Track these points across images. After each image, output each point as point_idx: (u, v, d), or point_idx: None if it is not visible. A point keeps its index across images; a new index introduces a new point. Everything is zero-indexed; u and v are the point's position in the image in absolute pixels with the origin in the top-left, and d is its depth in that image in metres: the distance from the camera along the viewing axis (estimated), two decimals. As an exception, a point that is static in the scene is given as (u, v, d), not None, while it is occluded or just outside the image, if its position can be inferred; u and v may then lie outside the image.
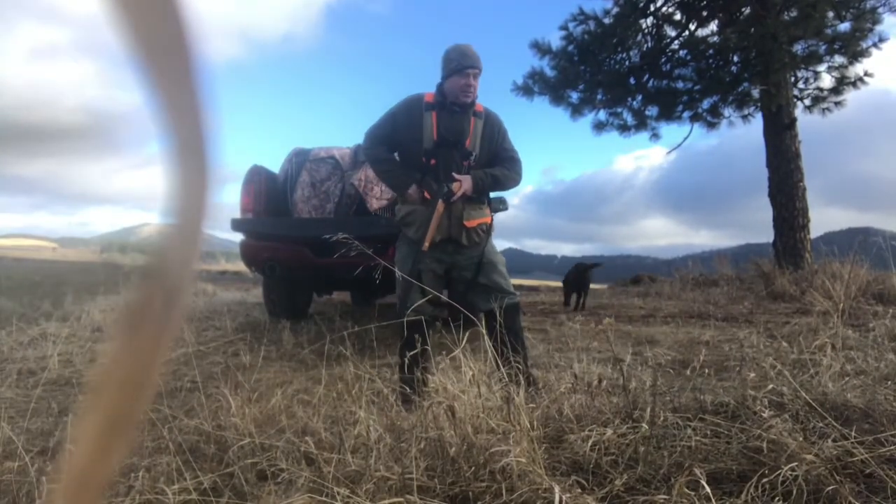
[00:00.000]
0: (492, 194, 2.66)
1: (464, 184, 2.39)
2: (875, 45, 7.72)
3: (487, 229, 2.54)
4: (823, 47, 7.54)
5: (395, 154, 2.54)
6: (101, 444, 0.23)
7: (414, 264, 2.36)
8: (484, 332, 1.87)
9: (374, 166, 2.57)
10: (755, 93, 7.81)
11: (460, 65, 2.37)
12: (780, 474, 1.22)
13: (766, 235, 7.96)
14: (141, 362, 0.23)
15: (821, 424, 1.49)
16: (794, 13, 6.97)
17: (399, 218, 2.51)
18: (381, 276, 2.22)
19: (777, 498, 1.19)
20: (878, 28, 7.66)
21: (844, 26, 7.61)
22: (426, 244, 2.35)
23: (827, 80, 8.21)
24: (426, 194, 2.41)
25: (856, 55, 7.71)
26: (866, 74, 7.96)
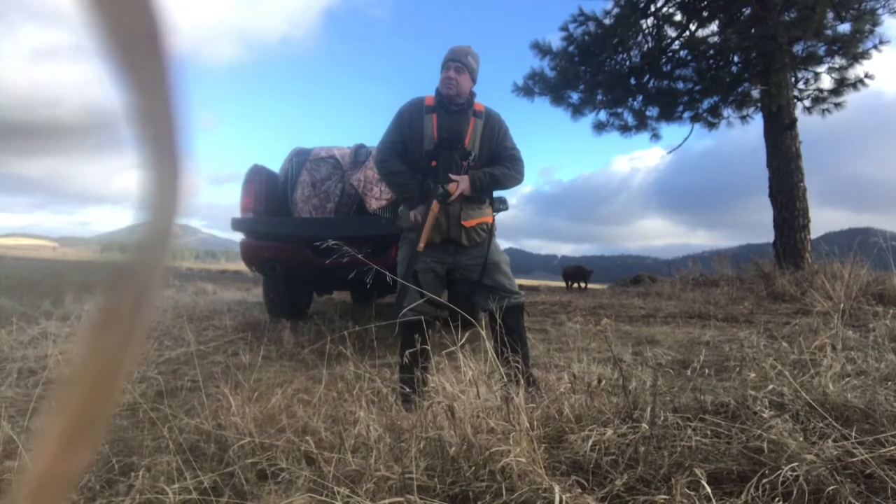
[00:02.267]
0: (493, 193, 2.65)
1: (461, 184, 2.38)
2: (875, 47, 7.73)
3: (489, 229, 2.53)
4: (823, 48, 7.54)
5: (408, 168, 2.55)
6: (65, 444, 0.23)
7: (409, 265, 2.36)
8: (484, 332, 1.87)
9: (387, 178, 2.56)
10: (755, 93, 7.81)
11: (445, 59, 2.47)
12: (780, 474, 1.22)
13: (765, 236, 7.97)
14: (109, 362, 0.23)
15: (821, 425, 1.49)
16: (793, 14, 6.97)
17: (401, 221, 2.51)
18: (378, 276, 2.22)
19: (777, 498, 1.19)
20: (879, 30, 7.67)
21: (844, 27, 7.61)
22: (421, 245, 2.35)
23: (827, 82, 8.22)
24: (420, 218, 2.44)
25: (856, 57, 7.71)
26: (867, 76, 7.96)
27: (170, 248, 0.24)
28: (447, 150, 2.44)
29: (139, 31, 0.22)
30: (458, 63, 2.43)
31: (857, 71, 7.94)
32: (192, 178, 0.23)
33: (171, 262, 0.24)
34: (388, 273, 2.17)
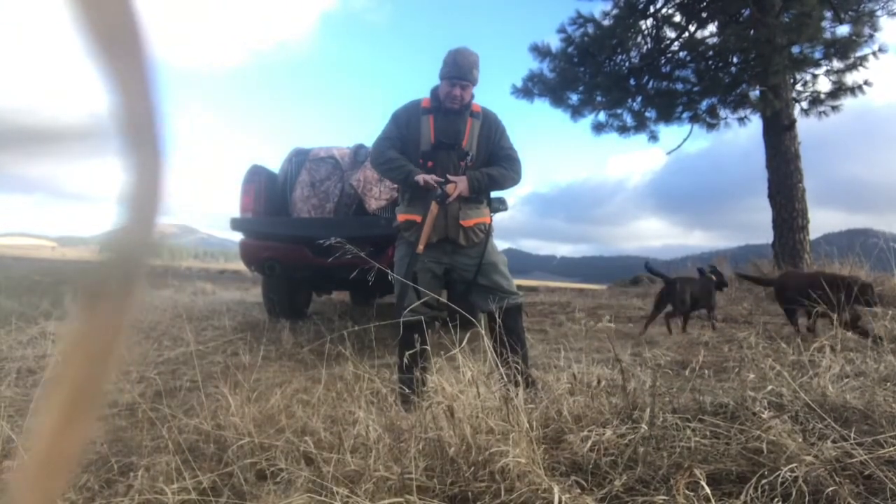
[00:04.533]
0: (491, 194, 2.65)
1: (459, 185, 2.38)
2: (874, 53, 7.75)
3: (487, 229, 2.53)
4: (821, 51, 7.56)
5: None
6: (64, 424, 0.23)
7: (409, 266, 2.36)
8: (483, 332, 1.87)
9: (382, 166, 2.51)
10: (755, 94, 7.82)
11: (449, 73, 2.40)
12: (779, 475, 1.22)
13: (764, 236, 7.97)
14: (101, 338, 0.24)
15: (820, 426, 1.49)
16: (791, 16, 6.98)
17: (399, 221, 2.51)
18: (378, 276, 2.22)
19: (776, 499, 1.19)
20: (878, 37, 7.69)
21: (843, 30, 7.63)
22: (420, 246, 2.35)
23: (825, 84, 8.24)
24: (433, 181, 2.37)
25: (854, 63, 7.73)
26: (866, 83, 7.98)
27: (153, 229, 0.24)
28: (444, 151, 2.44)
29: (119, 29, 0.22)
30: (464, 81, 2.40)
31: (856, 77, 7.96)
32: (173, 177, 0.24)
33: (155, 250, 0.25)
34: (390, 272, 2.16)
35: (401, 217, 2.49)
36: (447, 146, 2.44)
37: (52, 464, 0.23)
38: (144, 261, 0.24)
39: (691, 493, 1.16)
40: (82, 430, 0.24)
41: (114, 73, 0.22)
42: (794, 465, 1.24)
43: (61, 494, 0.25)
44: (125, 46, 0.22)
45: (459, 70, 2.40)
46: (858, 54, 7.69)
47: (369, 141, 4.39)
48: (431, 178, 2.36)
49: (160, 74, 0.23)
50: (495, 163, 2.53)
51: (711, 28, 8.42)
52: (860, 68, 7.79)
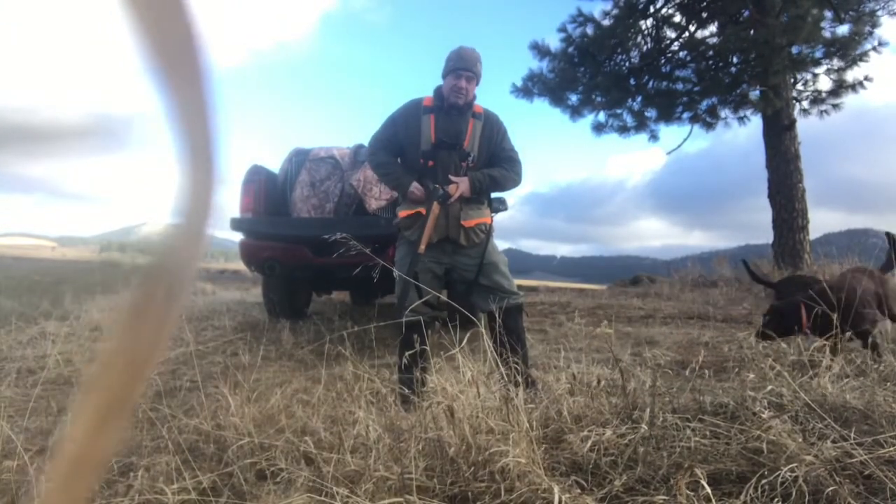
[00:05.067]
0: (492, 194, 2.65)
1: (460, 185, 2.39)
2: (875, 48, 7.74)
3: (487, 229, 2.53)
4: (821, 51, 7.55)
5: (398, 159, 2.55)
6: (96, 429, 0.23)
7: (411, 266, 2.36)
8: (483, 332, 1.87)
9: (376, 170, 2.59)
10: (755, 94, 7.82)
11: (454, 66, 2.42)
12: (779, 475, 1.22)
13: (764, 236, 7.97)
14: (140, 352, 0.24)
15: (820, 425, 1.49)
16: (792, 15, 6.98)
17: (399, 220, 2.51)
18: (380, 275, 2.22)
19: (776, 499, 1.19)
20: (878, 33, 7.68)
21: (843, 29, 7.63)
22: (422, 246, 2.35)
23: (825, 83, 8.23)
24: (421, 193, 2.42)
25: (854, 59, 7.73)
26: (866, 79, 7.97)
27: (203, 247, 0.25)
28: (446, 151, 2.44)
29: (176, 36, 0.22)
30: (469, 72, 2.42)
31: (856, 73, 7.95)
32: (225, 182, 0.24)
33: (202, 261, 0.25)
34: (394, 269, 2.17)
35: (403, 213, 2.49)
36: (448, 146, 2.44)
37: (81, 467, 0.23)
38: (191, 273, 0.24)
39: (691, 493, 1.16)
40: (111, 438, 0.24)
41: (174, 89, 0.22)
42: (794, 464, 1.24)
43: (88, 496, 0.25)
44: (185, 61, 0.23)
45: (465, 62, 2.42)
46: (858, 51, 7.68)
47: (369, 141, 4.39)
48: (420, 192, 2.40)
49: (217, 90, 0.24)
50: (496, 164, 2.54)
51: (711, 28, 8.43)
52: (860, 64, 7.79)
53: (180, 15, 0.22)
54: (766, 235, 7.94)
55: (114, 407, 0.24)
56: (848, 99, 8.25)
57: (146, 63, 0.22)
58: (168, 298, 0.24)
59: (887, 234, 3.15)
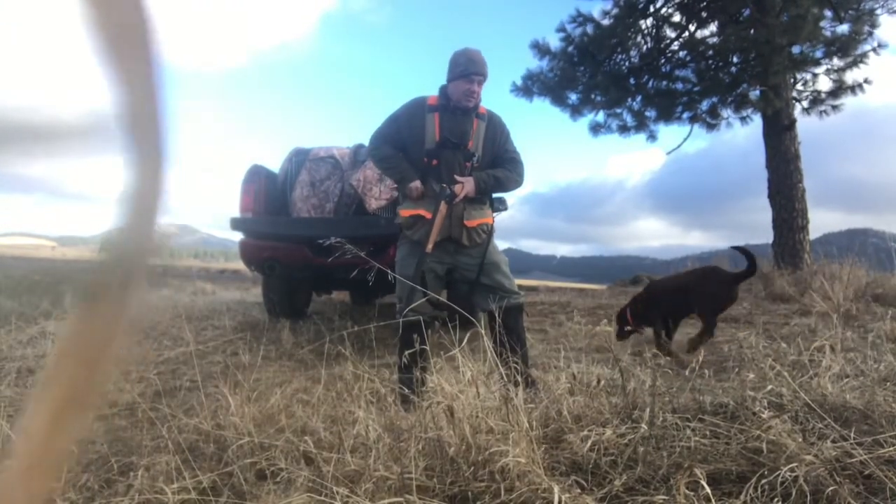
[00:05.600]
0: (493, 195, 2.66)
1: (466, 185, 2.40)
2: (874, 50, 7.74)
3: (489, 230, 2.54)
4: (821, 50, 7.55)
5: (401, 153, 2.55)
6: (54, 422, 0.23)
7: (418, 266, 2.36)
8: (483, 332, 1.87)
9: (378, 164, 2.59)
10: (755, 94, 7.82)
11: (466, 70, 2.39)
12: (779, 475, 1.22)
13: (763, 236, 7.97)
14: (97, 340, 0.23)
15: (820, 425, 1.49)
16: (793, 15, 6.98)
17: (402, 219, 2.51)
18: (378, 276, 2.22)
19: (776, 499, 1.19)
20: (878, 34, 7.68)
21: (843, 29, 7.62)
22: (429, 246, 2.35)
23: (825, 83, 8.23)
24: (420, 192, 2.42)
25: (855, 60, 7.72)
26: (866, 81, 7.97)
27: (153, 232, 0.24)
28: (450, 151, 2.44)
29: (127, 28, 0.22)
30: (482, 76, 2.41)
31: (856, 75, 7.95)
32: (173, 176, 0.24)
33: (155, 250, 0.24)
34: (389, 272, 2.17)
35: (405, 213, 2.49)
36: (453, 145, 2.44)
37: (40, 462, 0.23)
38: (144, 262, 0.24)
39: (691, 493, 1.16)
40: (73, 430, 0.23)
41: (121, 72, 0.22)
42: (794, 464, 1.24)
43: (47, 494, 0.24)
44: (133, 46, 0.22)
45: (476, 66, 2.41)
46: (858, 52, 7.68)
47: (370, 136, 4.39)
48: (419, 192, 2.41)
49: (166, 76, 0.23)
50: (499, 165, 2.55)
51: (711, 28, 8.42)
52: (860, 65, 7.78)
53: (132, 4, 0.22)
54: (765, 235, 7.95)
55: (72, 400, 0.23)
56: (849, 99, 8.25)
57: (98, 52, 0.21)
58: (122, 288, 0.23)
59: (735, 247, 3.58)
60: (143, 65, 0.23)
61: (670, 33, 8.47)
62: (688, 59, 8.35)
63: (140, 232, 0.24)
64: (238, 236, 4.49)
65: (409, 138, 2.48)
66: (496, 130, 2.54)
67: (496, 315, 2.13)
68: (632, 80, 8.49)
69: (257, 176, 4.61)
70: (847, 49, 7.58)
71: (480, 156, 2.49)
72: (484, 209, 2.53)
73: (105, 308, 0.23)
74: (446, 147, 2.44)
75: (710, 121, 8.50)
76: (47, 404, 0.23)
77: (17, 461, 0.23)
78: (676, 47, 8.44)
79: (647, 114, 8.65)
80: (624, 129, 8.90)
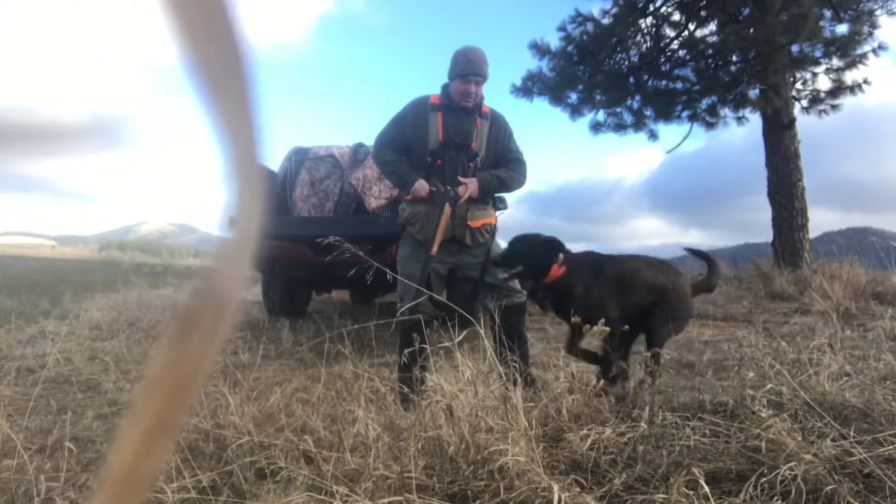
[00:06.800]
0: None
1: (469, 186, 2.39)
2: (874, 51, 7.74)
3: (492, 230, 2.54)
4: (821, 50, 7.55)
5: (404, 157, 2.55)
6: (145, 445, 0.24)
7: (424, 268, 2.36)
8: (482, 331, 1.87)
9: (382, 168, 2.60)
10: (754, 93, 7.81)
11: (463, 70, 2.38)
12: (778, 474, 1.22)
13: (763, 235, 7.97)
14: (189, 369, 0.24)
15: (819, 424, 1.49)
16: (793, 14, 6.97)
17: (403, 217, 2.50)
18: (378, 274, 2.21)
19: (776, 497, 1.19)
20: (878, 35, 7.68)
21: (843, 28, 7.62)
22: (434, 248, 2.34)
23: (825, 83, 8.23)
24: (430, 190, 2.40)
25: (854, 60, 7.72)
26: (865, 81, 7.97)
27: (250, 261, 0.25)
28: (454, 151, 2.43)
29: (224, 51, 0.22)
30: (479, 77, 2.39)
31: (855, 75, 7.94)
32: (269, 190, 0.24)
33: (247, 281, 0.24)
34: (388, 270, 2.16)
35: (409, 198, 2.48)
36: (456, 145, 2.43)
37: (128, 487, 0.24)
38: (240, 291, 0.24)
39: (691, 492, 1.16)
40: (158, 456, 0.24)
41: (218, 94, 0.22)
42: (794, 463, 1.24)
43: None
44: (233, 84, 0.22)
45: (473, 66, 2.38)
46: (858, 52, 7.68)
47: (369, 140, 4.38)
48: (426, 191, 2.39)
49: (261, 105, 0.23)
50: (502, 165, 2.54)
51: (711, 27, 8.41)
52: (860, 66, 7.78)
53: (228, 31, 0.22)
54: (764, 234, 7.93)
55: (160, 427, 0.24)
56: (848, 99, 8.25)
57: (194, 79, 0.21)
58: (216, 317, 0.24)
59: (688, 248, 2.85)
60: (240, 84, 0.23)
61: (670, 32, 8.47)
62: (687, 58, 8.34)
63: (236, 262, 0.24)
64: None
65: (414, 138, 2.47)
66: (499, 130, 2.54)
67: (497, 314, 2.13)
68: (631, 80, 8.48)
69: (257, 175, 4.60)
70: (846, 49, 7.57)
71: (484, 156, 2.48)
72: (487, 209, 2.53)
73: (199, 340, 0.24)
74: (450, 147, 2.43)
75: (710, 120, 8.50)
76: (139, 427, 0.24)
77: (110, 482, 0.23)
78: (676, 46, 8.43)
79: (647, 113, 8.64)
80: (622, 127, 8.89)
